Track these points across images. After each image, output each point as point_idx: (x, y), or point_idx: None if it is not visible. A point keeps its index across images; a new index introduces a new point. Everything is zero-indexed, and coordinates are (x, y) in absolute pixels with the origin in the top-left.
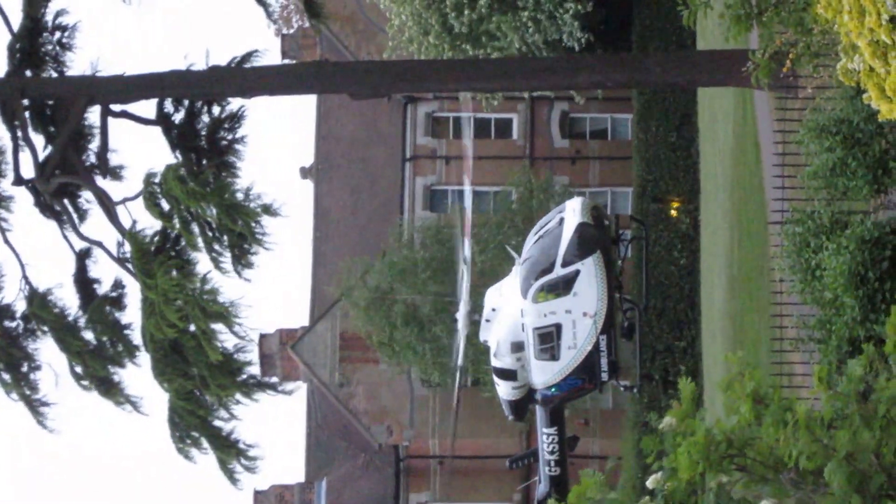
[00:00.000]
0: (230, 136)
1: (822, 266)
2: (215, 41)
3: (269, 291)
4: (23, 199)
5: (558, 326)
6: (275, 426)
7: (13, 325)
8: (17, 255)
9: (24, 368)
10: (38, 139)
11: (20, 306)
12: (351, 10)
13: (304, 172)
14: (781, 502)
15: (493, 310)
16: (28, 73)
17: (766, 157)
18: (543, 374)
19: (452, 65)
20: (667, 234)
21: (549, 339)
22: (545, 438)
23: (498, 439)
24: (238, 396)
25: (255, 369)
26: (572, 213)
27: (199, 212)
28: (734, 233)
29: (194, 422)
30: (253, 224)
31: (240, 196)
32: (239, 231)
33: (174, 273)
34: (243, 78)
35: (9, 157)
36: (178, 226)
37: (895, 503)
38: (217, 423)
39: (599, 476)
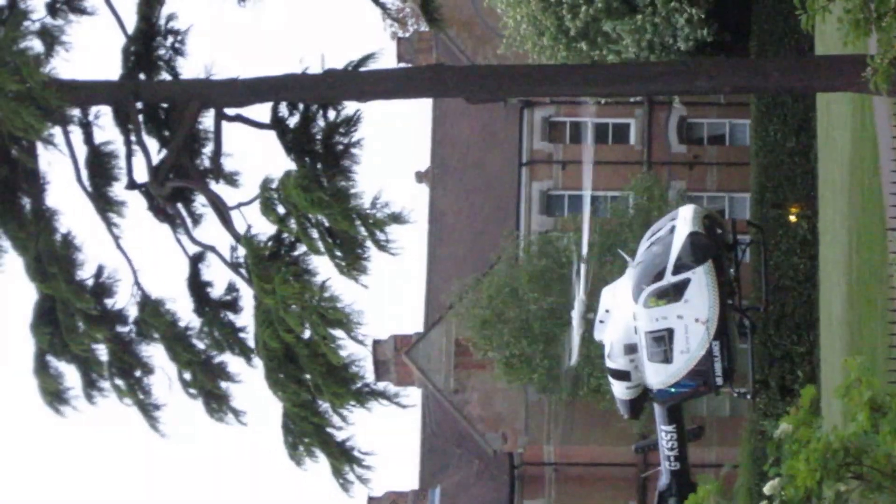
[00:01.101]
0: (346, 141)
1: None
2: (331, 44)
3: (384, 297)
4: (136, 203)
5: (670, 331)
6: (390, 432)
7: (125, 330)
8: (129, 260)
9: (137, 373)
10: (152, 143)
11: (132, 311)
12: (468, 14)
13: (420, 177)
14: None
15: (607, 311)
16: (142, 76)
17: (884, 163)
18: (657, 376)
19: (569, 69)
20: (786, 240)
21: (662, 343)
22: (664, 436)
23: (613, 447)
24: (352, 404)
25: (369, 375)
26: (683, 221)
27: (318, 218)
28: (852, 239)
29: (308, 429)
30: (379, 232)
31: (366, 204)
32: (357, 239)
33: (292, 280)
34: (359, 82)
35: (122, 161)
36: (295, 230)
37: None
38: (331, 430)
39: (715, 483)
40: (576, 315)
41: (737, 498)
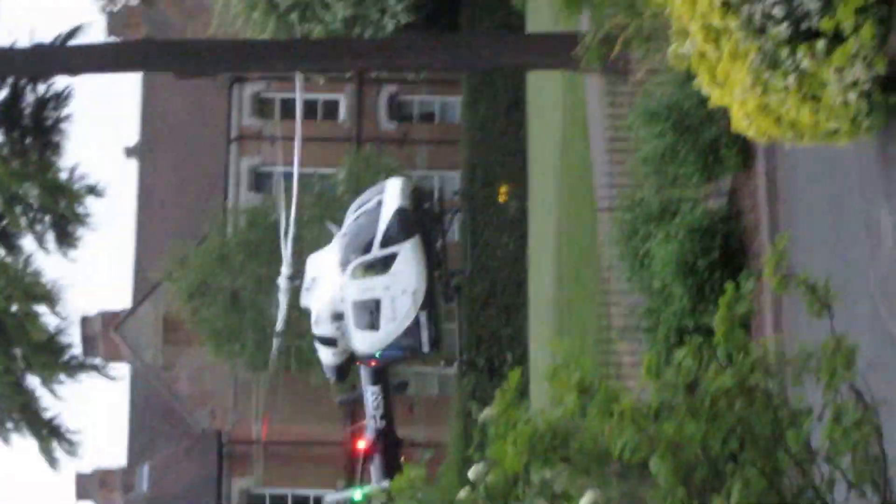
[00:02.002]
0: (56, 115)
1: (651, 254)
2: (39, 18)
3: (91, 273)
4: None
5: (377, 301)
6: (98, 409)
7: None
8: None
9: None
10: None
11: None
12: None
13: (129, 152)
14: (606, 495)
15: (314, 279)
16: None
17: (595, 142)
18: (364, 342)
19: (279, 45)
20: (495, 220)
21: (369, 312)
22: (370, 396)
23: (322, 426)
24: (62, 377)
25: (77, 351)
26: (391, 196)
27: (23, 192)
28: (563, 219)
29: (15, 404)
30: (76, 204)
31: (64, 176)
32: (61, 212)
33: None
34: (68, 56)
35: None
36: (0, 205)
37: (719, 495)
38: (38, 408)
39: (420, 468)
40: (282, 281)
41: (443, 480)
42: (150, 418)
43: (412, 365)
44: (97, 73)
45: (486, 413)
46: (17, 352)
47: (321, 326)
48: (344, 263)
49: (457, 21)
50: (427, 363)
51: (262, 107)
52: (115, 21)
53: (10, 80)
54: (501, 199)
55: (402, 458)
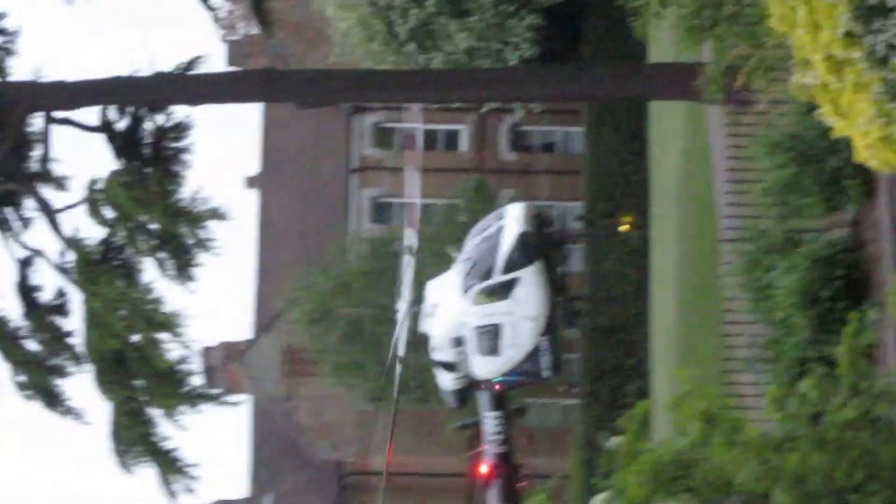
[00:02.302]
0: (175, 145)
1: (774, 285)
2: (161, 47)
3: (213, 304)
4: None
5: (498, 326)
6: (220, 441)
7: None
8: None
9: None
10: None
11: None
12: (298, 17)
13: (250, 182)
14: None
15: (434, 305)
16: None
17: (717, 173)
18: (484, 368)
19: (400, 74)
20: (617, 251)
21: (490, 338)
22: (489, 422)
23: (443, 457)
24: (182, 407)
25: (198, 381)
26: (513, 220)
27: (144, 219)
28: (684, 250)
29: (136, 436)
30: (198, 228)
31: (186, 202)
32: (181, 239)
33: (118, 282)
34: (188, 85)
35: None
36: (122, 233)
37: None
38: (159, 439)
39: (544, 495)
40: (402, 307)
41: None
42: (271, 450)
43: (533, 395)
44: (218, 102)
45: (615, 441)
46: (138, 382)
47: (441, 352)
48: (465, 289)
49: (578, 51)
50: (548, 393)
51: (382, 137)
52: (236, 51)
53: (130, 110)
54: (623, 229)
55: (520, 485)
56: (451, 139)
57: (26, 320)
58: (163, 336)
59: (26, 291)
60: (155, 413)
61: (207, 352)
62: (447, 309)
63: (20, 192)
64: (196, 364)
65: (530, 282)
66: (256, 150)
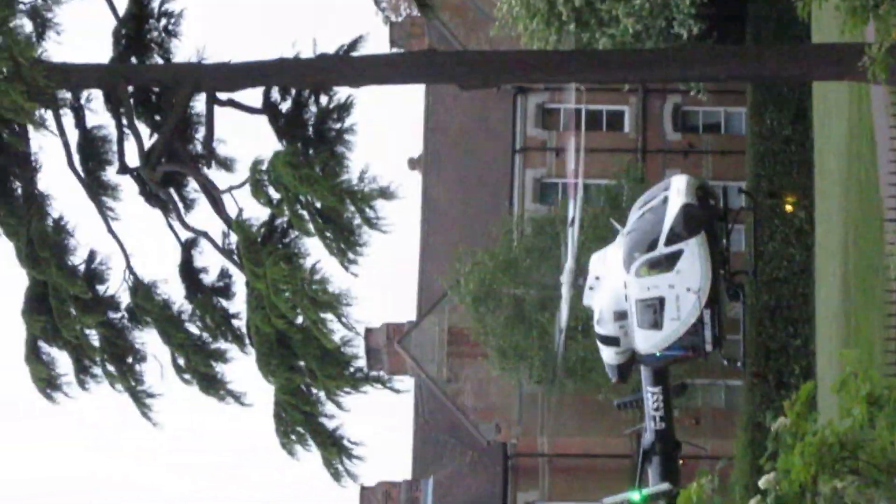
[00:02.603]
0: (338, 126)
1: None
2: (323, 28)
3: (376, 285)
4: (128, 187)
5: (661, 300)
6: (382, 422)
7: (118, 316)
8: (121, 246)
9: (130, 360)
10: (144, 128)
11: (124, 297)
12: None
13: (413, 163)
14: None
15: (597, 278)
16: (133, 60)
17: (881, 152)
18: (647, 341)
19: (563, 55)
20: (781, 230)
21: (653, 311)
22: (650, 397)
23: (607, 438)
24: (346, 389)
25: (361, 363)
26: (677, 192)
27: (309, 199)
28: (849, 229)
29: (299, 417)
30: (366, 207)
31: (353, 181)
32: (347, 219)
33: (283, 263)
34: (351, 66)
35: (114, 145)
36: (286, 213)
37: None
38: (323, 419)
39: (712, 477)
40: (565, 281)
41: (732, 491)
42: (434, 431)
43: (699, 375)
44: (380, 83)
45: (781, 422)
46: (302, 364)
47: (604, 326)
48: (628, 261)
49: (742, 32)
50: (713, 373)
51: (546, 118)
52: (398, 32)
53: (293, 91)
54: (788, 209)
55: (681, 462)
56: (615, 119)
57: (189, 303)
58: (328, 317)
59: (190, 274)
60: (318, 395)
61: (370, 333)
62: (610, 282)
63: (184, 173)
64: (359, 346)
65: (694, 254)
66: (419, 131)
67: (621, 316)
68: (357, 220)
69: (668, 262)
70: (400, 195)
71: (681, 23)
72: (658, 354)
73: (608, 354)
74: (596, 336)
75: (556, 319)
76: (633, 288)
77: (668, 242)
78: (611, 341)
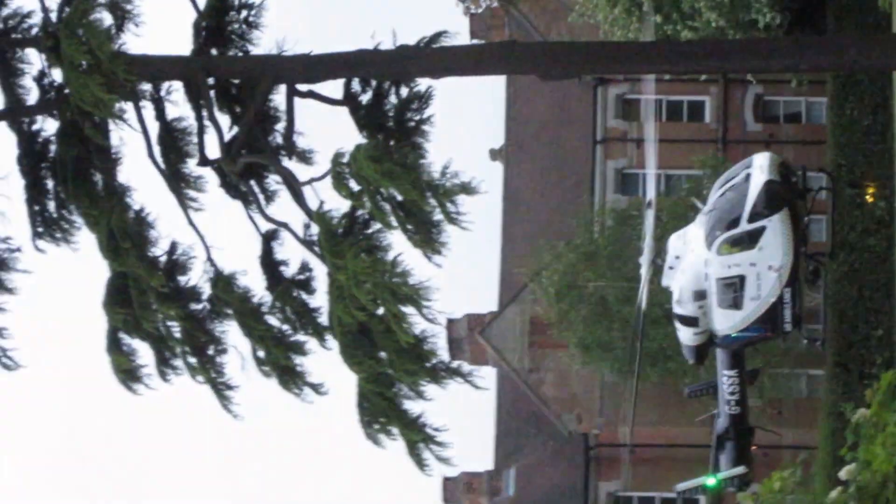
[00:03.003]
0: (418, 117)
1: None
2: (403, 20)
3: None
4: (208, 179)
5: (742, 278)
6: (464, 412)
7: (199, 307)
8: (201, 237)
9: (211, 351)
10: (224, 119)
11: (205, 289)
12: None
13: (494, 154)
14: None
15: (677, 257)
16: (214, 51)
17: None
18: (725, 322)
19: (643, 46)
20: (861, 221)
21: (733, 290)
22: (725, 380)
23: (688, 428)
24: (427, 381)
25: (443, 354)
26: (759, 169)
27: (391, 192)
28: None
29: (383, 405)
30: (448, 202)
31: (435, 175)
32: (429, 213)
33: (364, 255)
34: (431, 58)
35: (194, 137)
36: (368, 206)
37: None
38: (406, 406)
39: (795, 470)
40: (644, 260)
41: (813, 480)
42: (516, 422)
43: (780, 365)
44: (460, 75)
45: (861, 413)
46: (383, 355)
47: (683, 306)
48: (710, 239)
49: (823, 23)
50: (794, 362)
51: (627, 108)
52: (478, 23)
53: (373, 83)
54: (869, 199)
55: (754, 448)
56: (695, 110)
57: (270, 295)
58: (408, 310)
59: (270, 266)
60: (400, 385)
61: (452, 324)
62: (690, 261)
63: (264, 165)
64: (441, 337)
65: (777, 230)
66: (501, 122)
67: (700, 296)
68: (438, 215)
69: (750, 240)
70: (481, 190)
71: (760, 11)
72: (734, 336)
73: (686, 335)
74: (674, 316)
75: (638, 300)
76: (714, 266)
77: (751, 219)
78: (689, 321)
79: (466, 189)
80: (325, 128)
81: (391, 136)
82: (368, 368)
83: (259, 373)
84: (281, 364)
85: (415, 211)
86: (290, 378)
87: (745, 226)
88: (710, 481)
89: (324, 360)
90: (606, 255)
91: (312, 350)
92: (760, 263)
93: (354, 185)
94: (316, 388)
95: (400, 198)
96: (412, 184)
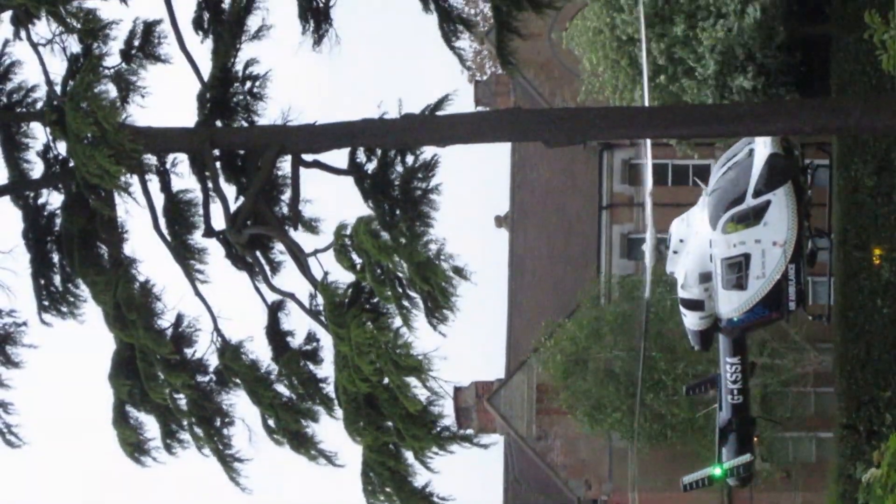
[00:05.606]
0: (424, 186)
1: None
2: (408, 88)
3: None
4: (214, 250)
5: (747, 256)
6: (472, 481)
7: (206, 379)
8: (208, 308)
9: (217, 423)
10: (230, 190)
11: (212, 360)
12: (545, 56)
13: (499, 221)
14: None
15: (681, 241)
16: (218, 123)
17: None
18: (731, 304)
19: (648, 111)
20: (869, 283)
21: (738, 269)
22: (728, 368)
23: (699, 493)
24: (434, 450)
25: (450, 422)
26: (763, 144)
27: (391, 266)
28: None
29: (388, 476)
30: (443, 284)
31: (432, 254)
32: (428, 290)
33: (368, 326)
34: (437, 126)
35: (200, 208)
36: (369, 279)
37: None
38: (411, 477)
39: None
40: (647, 248)
41: None
42: (524, 489)
43: (788, 429)
44: (466, 142)
45: (872, 473)
46: (388, 424)
47: (688, 290)
48: (714, 218)
49: (827, 85)
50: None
51: (632, 173)
52: (483, 91)
53: (378, 152)
54: (875, 261)
55: (756, 439)
56: (701, 174)
57: (277, 364)
58: (411, 381)
59: (276, 336)
60: (406, 454)
61: (459, 392)
62: (694, 243)
63: (270, 235)
64: (447, 405)
65: (781, 204)
66: (506, 188)
67: (706, 278)
68: (437, 292)
69: (755, 215)
70: (473, 278)
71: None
72: (737, 319)
73: (692, 320)
74: (679, 302)
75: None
76: (719, 246)
77: (756, 194)
78: (695, 305)
79: (459, 273)
80: (333, 195)
81: (397, 206)
82: (372, 438)
83: (270, 441)
84: (292, 429)
85: (414, 286)
86: (302, 444)
87: (750, 201)
88: (717, 471)
89: (336, 430)
90: (613, 327)
91: (322, 415)
92: (765, 239)
93: (356, 258)
94: (329, 457)
95: (400, 273)
96: (408, 261)
